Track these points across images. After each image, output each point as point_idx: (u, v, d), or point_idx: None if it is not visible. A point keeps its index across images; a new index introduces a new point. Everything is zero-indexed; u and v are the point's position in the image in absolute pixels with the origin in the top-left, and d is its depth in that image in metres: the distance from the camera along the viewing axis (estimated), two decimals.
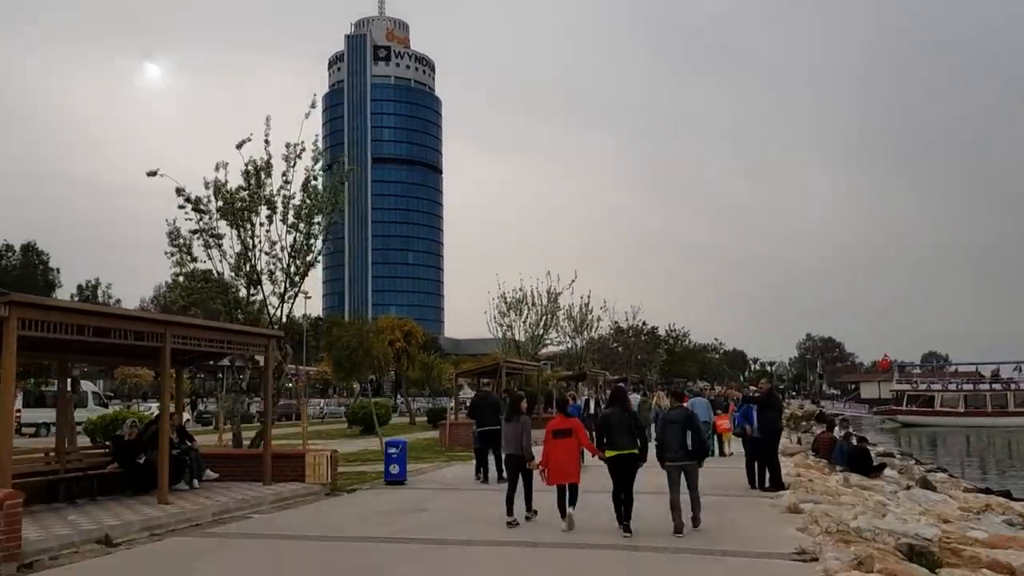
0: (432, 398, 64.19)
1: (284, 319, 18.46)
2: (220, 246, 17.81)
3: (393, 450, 16.16)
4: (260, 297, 18.39)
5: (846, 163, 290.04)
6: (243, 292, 18.08)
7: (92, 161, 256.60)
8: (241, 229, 17.55)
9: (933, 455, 41.25)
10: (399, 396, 58.92)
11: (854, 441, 20.87)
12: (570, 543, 9.85)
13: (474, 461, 17.25)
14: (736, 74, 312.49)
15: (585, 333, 48.57)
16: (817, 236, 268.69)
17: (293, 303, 18.27)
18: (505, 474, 15.93)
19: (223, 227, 17.84)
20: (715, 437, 21.66)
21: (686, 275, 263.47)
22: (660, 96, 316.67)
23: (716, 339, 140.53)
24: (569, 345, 49.23)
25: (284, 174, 17.99)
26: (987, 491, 21.56)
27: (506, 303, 38.22)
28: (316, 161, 18.09)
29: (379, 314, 54.90)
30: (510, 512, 11.05)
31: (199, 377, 60.84)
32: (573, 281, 40.72)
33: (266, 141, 17.80)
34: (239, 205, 17.27)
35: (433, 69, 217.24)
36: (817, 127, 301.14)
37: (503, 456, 11.96)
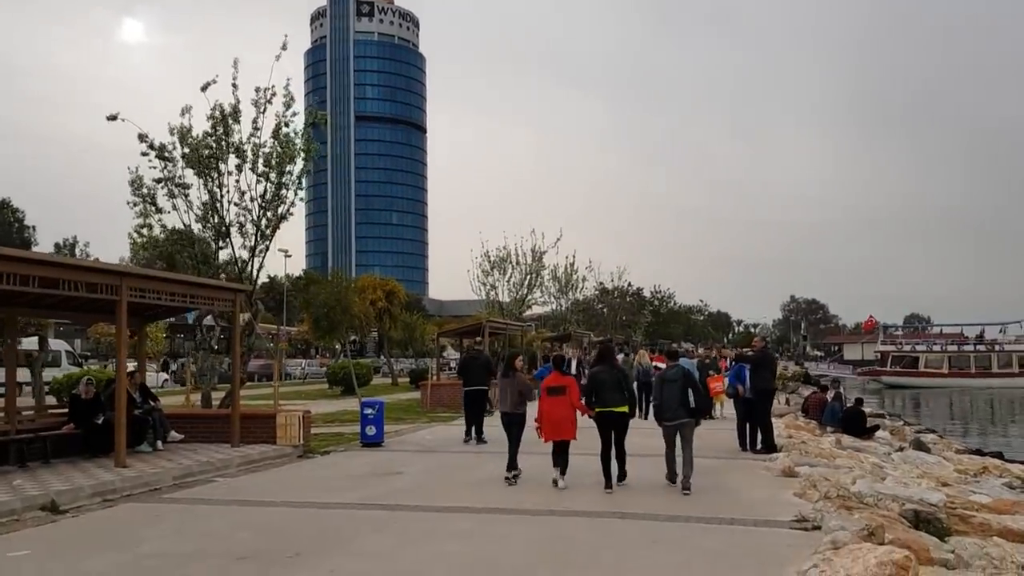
0: (415, 359, 63.55)
1: (255, 274, 17.55)
2: (186, 196, 16.85)
3: (369, 411, 15.43)
4: (230, 251, 17.45)
5: (835, 126, 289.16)
6: (212, 246, 17.12)
7: (68, 117, 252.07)
8: (208, 178, 16.58)
9: (917, 416, 41.15)
10: (382, 357, 58.20)
11: (847, 402, 20.38)
12: (555, 510, 9.17)
13: (458, 423, 16.59)
14: (727, 35, 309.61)
15: (570, 294, 47.93)
16: (804, 199, 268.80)
17: (264, 257, 17.39)
18: (485, 436, 15.79)
19: (190, 176, 16.87)
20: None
21: (672, 237, 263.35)
22: (650, 57, 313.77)
23: (701, 300, 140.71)
24: (554, 306, 48.61)
25: (254, 121, 17.01)
26: (979, 452, 21.19)
27: (489, 262, 37.37)
28: (287, 107, 17.08)
29: (363, 275, 54.05)
30: (509, 468, 11.12)
31: (179, 337, 59.85)
32: (558, 239, 39.94)
33: (234, 85, 16.78)
34: (205, 152, 16.28)
35: (417, 26, 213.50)
36: (807, 90, 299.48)
37: (500, 414, 11.72)
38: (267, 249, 17.16)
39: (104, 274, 11.62)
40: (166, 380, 46.56)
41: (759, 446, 14.06)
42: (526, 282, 37.77)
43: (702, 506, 9.31)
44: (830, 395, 20.20)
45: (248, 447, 13.93)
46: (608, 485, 10.22)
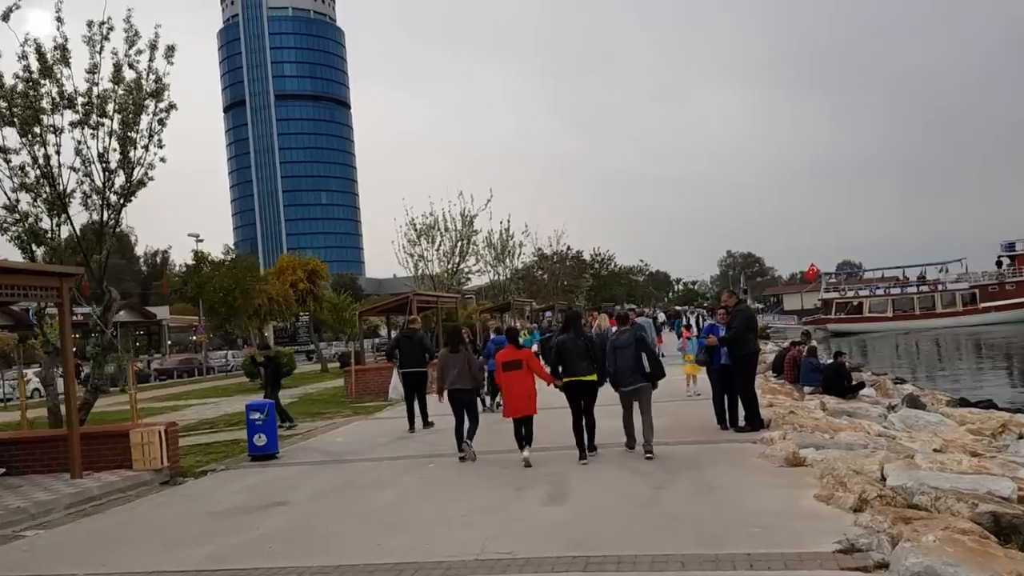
0: (351, 343, 60.03)
1: (105, 255, 14.16)
2: (8, 162, 13.33)
3: (257, 415, 12.28)
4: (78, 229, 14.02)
5: (753, 81, 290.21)
6: (48, 222, 13.66)
7: None
8: (32, 138, 13.08)
9: (865, 362, 39.54)
10: (319, 344, 54.59)
11: (825, 357, 17.91)
12: (505, 557, 6.24)
13: (383, 415, 13.92)
14: None
15: (507, 261, 44.92)
16: (732, 156, 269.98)
17: (115, 232, 13.98)
18: (431, 418, 13.86)
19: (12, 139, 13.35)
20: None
21: (606, 201, 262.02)
22: (571, 21, 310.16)
23: (642, 260, 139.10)
24: (492, 275, 45.64)
25: (92, 64, 13.53)
26: (963, 402, 19.03)
27: (416, 230, 34.05)
28: (131, 44, 13.62)
29: (282, 255, 50.39)
30: (461, 449, 10.61)
31: (94, 334, 55.29)
32: (489, 201, 36.58)
33: (58, 19, 13.27)
34: (19, 103, 12.77)
35: None
36: (726, 47, 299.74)
37: (448, 392, 10.97)
38: (117, 223, 13.76)
39: None
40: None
41: (742, 422, 11.39)
42: (457, 249, 34.54)
43: (696, 528, 6.50)
44: (804, 349, 17.68)
45: (94, 477, 10.71)
46: (583, 456, 9.82)
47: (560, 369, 9.98)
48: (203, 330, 48.74)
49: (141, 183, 14.27)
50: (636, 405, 10.06)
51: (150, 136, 13.73)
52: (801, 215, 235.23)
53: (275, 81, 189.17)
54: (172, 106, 14.50)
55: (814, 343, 19.21)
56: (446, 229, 34.13)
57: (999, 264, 68.78)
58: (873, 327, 66.59)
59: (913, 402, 15.43)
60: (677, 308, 53.00)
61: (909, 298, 69.77)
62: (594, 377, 9.94)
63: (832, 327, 67.70)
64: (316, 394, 27.16)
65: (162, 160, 14.31)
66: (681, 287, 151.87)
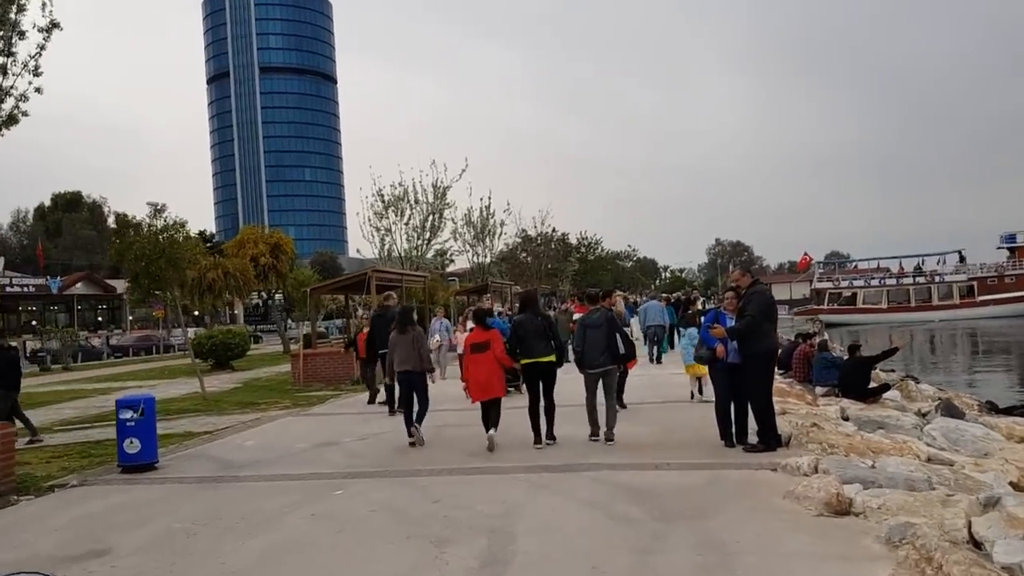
0: (322, 322, 57.26)
1: None
2: None
3: (129, 415, 9.50)
4: None
5: (748, 72, 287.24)
6: None
7: None
8: None
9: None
10: (286, 323, 51.74)
11: (838, 350, 15.30)
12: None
13: (322, 409, 12.48)
14: None
15: (488, 240, 42.05)
16: (720, 144, 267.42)
17: None
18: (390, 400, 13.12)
19: None
20: (660, 345, 19.31)
21: (593, 186, 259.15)
22: (565, 3, 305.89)
23: (630, 246, 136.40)
24: (471, 255, 42.83)
25: None
26: (992, 406, 16.57)
27: (383, 201, 31.00)
28: None
29: (245, 227, 47.52)
30: (410, 434, 10.11)
31: (29, 309, 52.14)
32: (464, 170, 33.26)
33: None
34: None
35: None
36: (716, 37, 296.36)
37: (397, 374, 10.54)
38: None
39: None
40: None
41: (752, 438, 8.75)
42: (428, 223, 31.49)
43: None
44: (816, 342, 15.05)
45: None
46: (537, 440, 9.52)
47: (518, 351, 9.64)
48: (159, 304, 45.81)
49: (12, 119, 11.41)
50: (601, 389, 9.61)
51: (8, 53, 10.84)
52: (789, 204, 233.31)
53: (260, 53, 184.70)
54: (54, 24, 11.68)
55: (826, 336, 16.57)
56: (416, 201, 31.15)
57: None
58: (867, 319, 64.26)
59: (950, 410, 12.82)
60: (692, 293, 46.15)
61: (905, 290, 67.49)
62: (552, 358, 9.59)
63: (824, 318, 65.27)
64: (264, 379, 24.51)
65: (38, 91, 11.48)
66: (668, 275, 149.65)
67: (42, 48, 11.54)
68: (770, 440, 8.61)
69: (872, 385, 14.16)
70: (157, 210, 18.36)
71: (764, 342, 8.52)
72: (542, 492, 7.25)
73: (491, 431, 9.47)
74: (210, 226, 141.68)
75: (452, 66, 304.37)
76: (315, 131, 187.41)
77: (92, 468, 10.07)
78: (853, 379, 13.66)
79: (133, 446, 9.45)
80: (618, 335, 9.55)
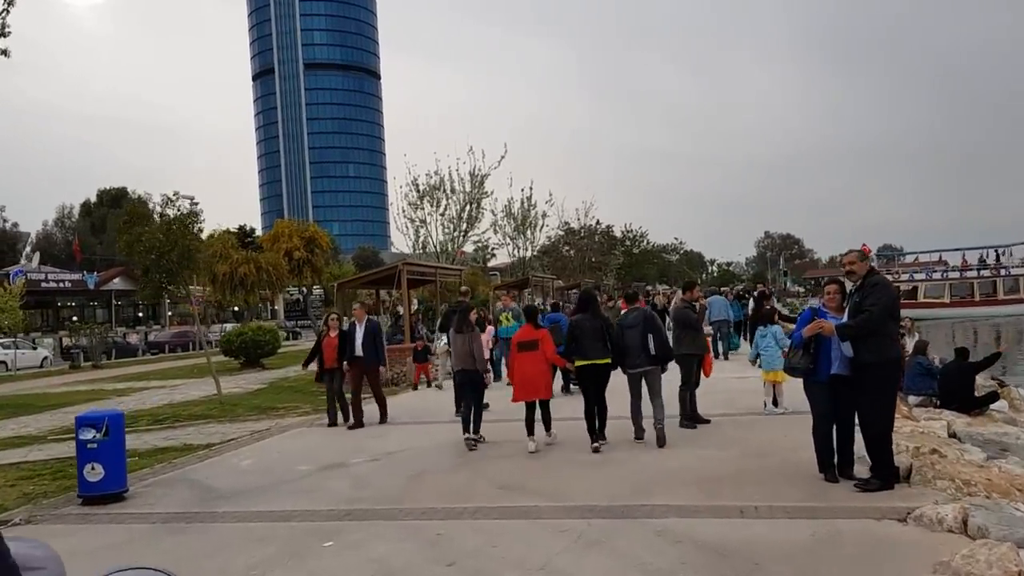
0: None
1: None
2: None
3: (91, 435, 7.88)
4: None
5: (801, 60, 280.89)
6: None
7: None
8: None
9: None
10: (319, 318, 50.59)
11: (932, 357, 13.18)
12: None
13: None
14: None
15: (529, 232, 40.12)
16: (768, 134, 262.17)
17: None
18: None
19: None
20: (727, 340, 19.37)
21: (639, 178, 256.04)
22: None
23: (676, 238, 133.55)
24: (511, 248, 40.99)
25: None
26: None
27: (418, 191, 29.31)
28: None
29: (277, 220, 46.43)
30: (466, 430, 9.79)
31: (69, 305, 51.68)
32: (503, 157, 31.00)
33: None
34: None
35: None
36: (775, 23, 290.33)
37: (455, 374, 10.37)
38: None
39: None
40: (45, 357, 38.69)
41: (861, 471, 6.81)
42: (465, 214, 29.67)
43: None
44: (908, 345, 12.97)
45: None
46: (594, 441, 9.10)
47: (574, 350, 9.41)
48: (198, 300, 44.85)
49: None
50: (646, 391, 9.28)
51: None
52: (840, 197, 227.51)
53: (304, 50, 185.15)
54: None
55: (917, 336, 14.44)
56: (452, 191, 29.30)
57: None
58: (928, 313, 61.02)
59: None
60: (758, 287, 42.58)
61: (968, 283, 64.08)
62: (608, 360, 9.34)
63: None
64: (292, 379, 22.98)
65: (3, 53, 10.07)
66: (716, 268, 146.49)
67: (9, 3, 10.09)
68: (886, 475, 6.65)
69: (978, 394, 12.04)
70: (169, 199, 16.64)
71: (889, 348, 6.55)
72: (591, 552, 5.41)
73: (538, 437, 9.31)
74: (256, 223, 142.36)
75: (492, 58, 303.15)
76: (359, 127, 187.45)
77: (55, 496, 8.49)
78: (956, 389, 11.56)
79: (95, 472, 7.83)
80: (650, 335, 9.15)
